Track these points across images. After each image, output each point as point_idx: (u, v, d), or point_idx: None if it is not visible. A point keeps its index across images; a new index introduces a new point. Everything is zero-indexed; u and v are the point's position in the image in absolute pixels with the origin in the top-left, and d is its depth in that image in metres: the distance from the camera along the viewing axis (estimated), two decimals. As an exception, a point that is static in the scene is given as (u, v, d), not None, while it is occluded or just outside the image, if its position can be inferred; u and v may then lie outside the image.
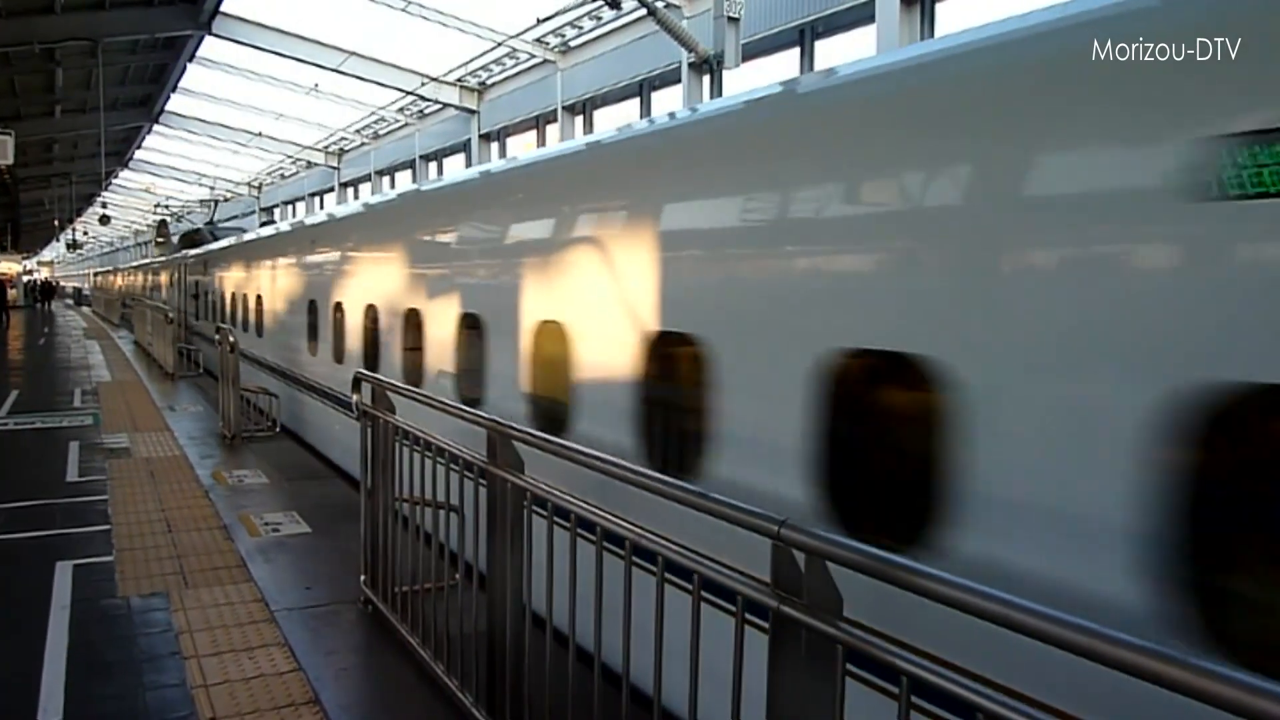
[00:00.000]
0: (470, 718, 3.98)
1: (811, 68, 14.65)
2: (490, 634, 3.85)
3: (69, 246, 54.72)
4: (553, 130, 21.62)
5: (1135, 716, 2.14)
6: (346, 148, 34.24)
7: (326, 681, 4.59)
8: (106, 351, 24.21)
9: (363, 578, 5.51)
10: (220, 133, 34.81)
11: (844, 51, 14.24)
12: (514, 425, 3.71)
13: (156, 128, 34.61)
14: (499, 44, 21.32)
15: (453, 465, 4.17)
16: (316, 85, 27.10)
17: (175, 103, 31.59)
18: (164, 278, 28.24)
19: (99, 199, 46.35)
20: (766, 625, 2.31)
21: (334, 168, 35.37)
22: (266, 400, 12.58)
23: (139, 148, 39.42)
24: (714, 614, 2.64)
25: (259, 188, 44.71)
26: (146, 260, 30.70)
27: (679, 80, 16.86)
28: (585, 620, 3.08)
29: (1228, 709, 1.37)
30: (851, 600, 2.20)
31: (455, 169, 26.01)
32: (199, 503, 8.15)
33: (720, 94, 15.79)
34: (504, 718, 3.70)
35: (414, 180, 28.44)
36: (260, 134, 34.41)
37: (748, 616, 2.42)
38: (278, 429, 11.91)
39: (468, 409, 4.23)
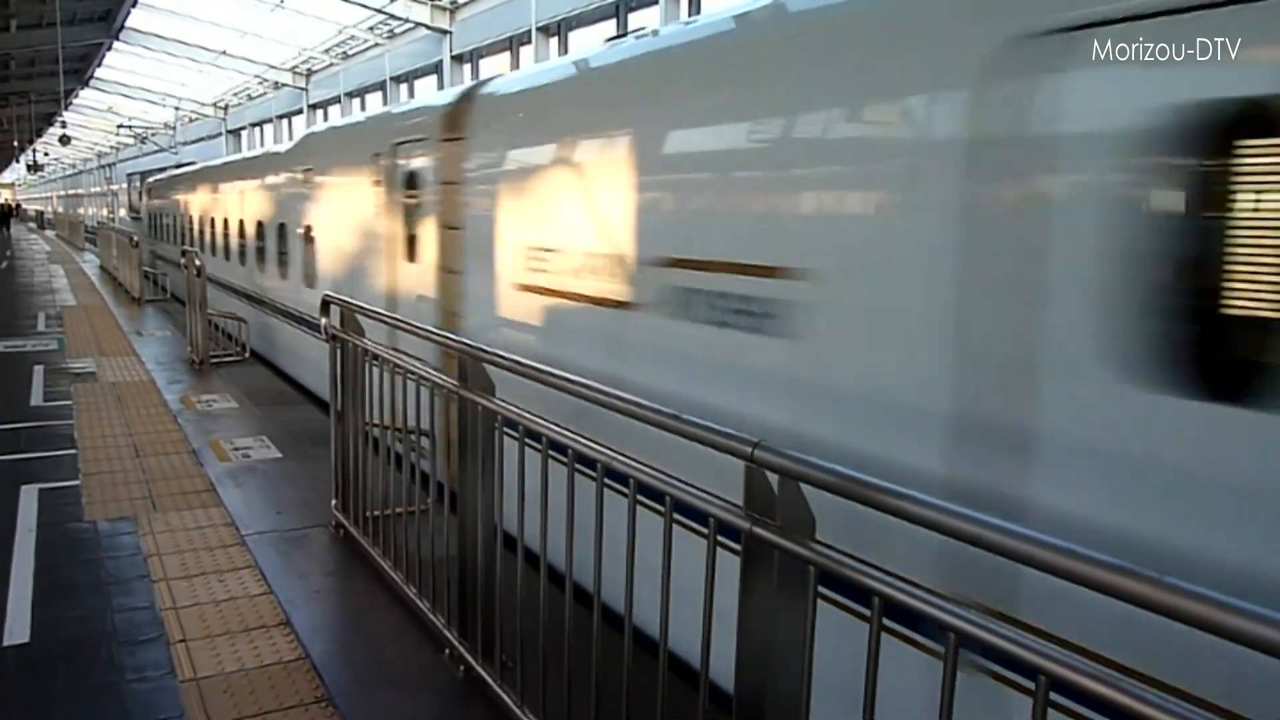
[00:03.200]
0: (442, 639, 3.99)
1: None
2: (461, 557, 3.84)
3: (29, 168, 53.15)
4: (526, 52, 21.06)
5: (1116, 642, 2.14)
6: (315, 68, 33.22)
7: (298, 604, 4.58)
8: (71, 276, 23.73)
9: (334, 502, 5.47)
10: (184, 50, 33.59)
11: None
12: (485, 348, 3.63)
13: (117, 45, 33.32)
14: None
15: (423, 388, 4.10)
16: (282, 1, 26.15)
17: (136, 18, 30.34)
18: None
19: (59, 119, 44.88)
20: (739, 547, 2.29)
21: (302, 89, 34.36)
22: (235, 325, 12.41)
23: (99, 65, 38.03)
24: (687, 536, 2.62)
25: (225, 109, 43.44)
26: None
27: (657, 0, 16.40)
28: (557, 543, 3.06)
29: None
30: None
31: (428, 92, 25.36)
32: (167, 427, 8.04)
33: (699, 13, 15.40)
34: (475, 639, 3.71)
35: (384, 103, 27.73)
36: (224, 52, 33.27)
37: (720, 538, 2.39)
38: (247, 354, 11.76)
39: (438, 331, 4.14)
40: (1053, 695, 1.58)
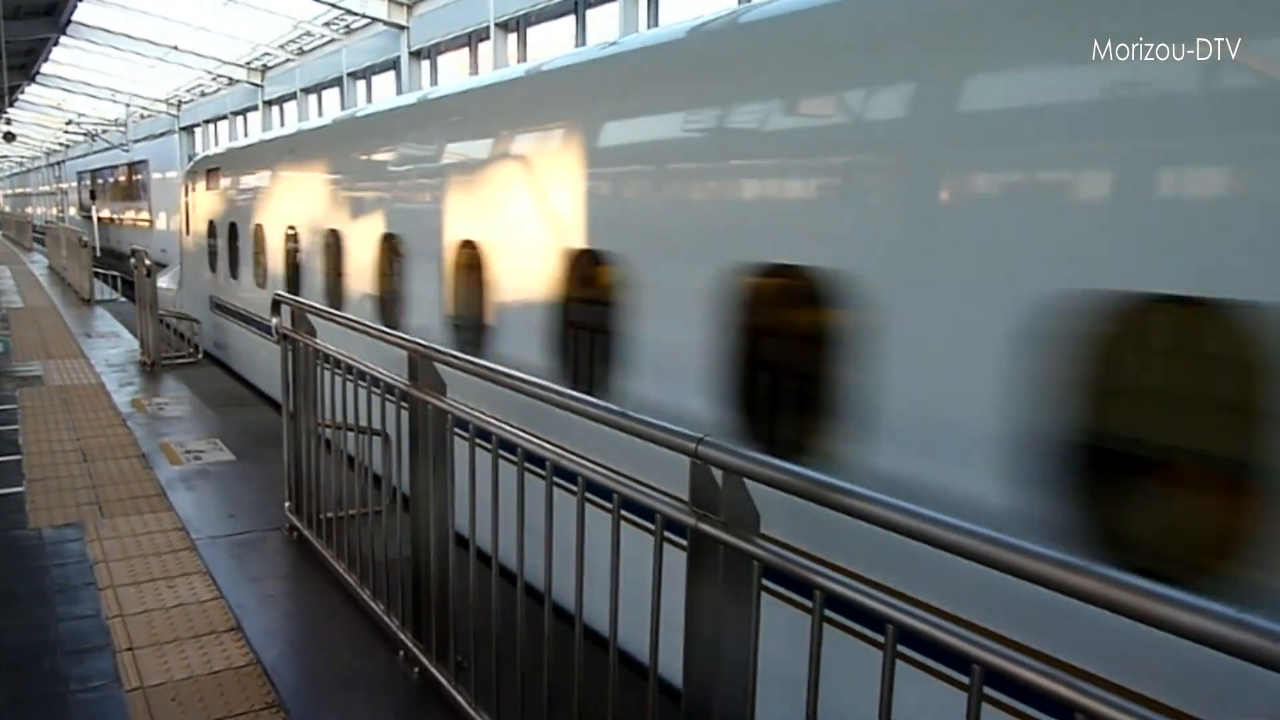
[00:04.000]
0: (395, 641, 3.95)
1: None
2: (415, 557, 3.80)
3: (-26, 167, 51.78)
4: (485, 49, 20.90)
5: (1052, 630, 2.18)
6: (270, 64, 32.72)
7: (249, 609, 4.51)
8: (18, 277, 23.18)
9: (287, 504, 5.40)
10: (134, 45, 32.89)
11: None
12: (435, 347, 3.60)
13: (64, 39, 32.53)
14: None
15: (374, 389, 4.05)
16: (235, -5, 25.71)
17: (84, 12, 29.63)
18: None
19: (4, 116, 43.72)
20: (685, 543, 2.29)
21: (257, 85, 33.84)
22: (188, 326, 12.21)
23: (46, 60, 37.12)
24: (635, 533, 2.62)
25: (178, 105, 42.65)
26: None
27: (616, -3, 16.36)
28: (509, 542, 3.04)
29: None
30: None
31: (385, 89, 25.09)
32: (116, 431, 7.88)
33: (657, 12, 15.40)
34: (429, 640, 3.68)
35: (341, 100, 27.42)
36: (175, 47, 32.64)
37: (667, 534, 2.39)
38: (200, 355, 11.57)
39: (388, 330, 4.10)
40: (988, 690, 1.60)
